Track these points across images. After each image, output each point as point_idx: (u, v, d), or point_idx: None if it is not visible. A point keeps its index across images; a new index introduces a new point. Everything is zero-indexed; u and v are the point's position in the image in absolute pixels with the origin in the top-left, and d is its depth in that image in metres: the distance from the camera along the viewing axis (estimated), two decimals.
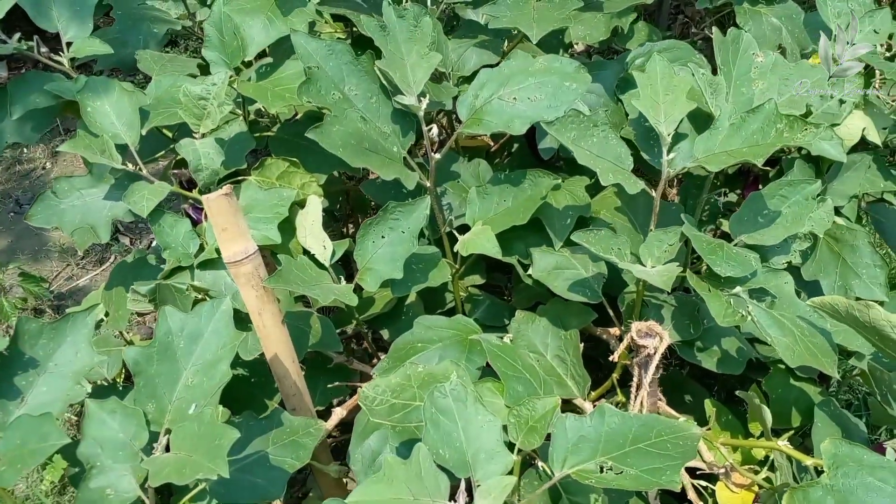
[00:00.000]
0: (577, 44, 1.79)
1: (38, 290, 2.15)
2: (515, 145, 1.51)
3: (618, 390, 1.13)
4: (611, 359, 0.97)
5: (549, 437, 0.76)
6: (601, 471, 0.69)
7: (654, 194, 1.00)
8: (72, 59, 1.25)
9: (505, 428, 0.79)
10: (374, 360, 1.57)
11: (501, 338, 1.18)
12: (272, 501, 0.87)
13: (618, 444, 0.71)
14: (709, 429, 1.10)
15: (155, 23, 1.50)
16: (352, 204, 1.71)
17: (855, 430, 1.04)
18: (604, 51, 2.30)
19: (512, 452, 0.79)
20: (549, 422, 0.76)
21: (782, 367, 1.09)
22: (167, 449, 0.76)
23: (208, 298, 1.05)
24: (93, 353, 0.93)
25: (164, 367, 0.79)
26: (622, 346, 0.96)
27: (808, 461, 0.84)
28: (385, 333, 1.27)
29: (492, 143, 1.50)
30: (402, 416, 0.80)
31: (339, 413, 1.11)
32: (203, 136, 1.06)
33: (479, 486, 0.63)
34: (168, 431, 0.78)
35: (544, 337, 1.16)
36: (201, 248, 1.06)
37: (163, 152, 1.32)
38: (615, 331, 1.23)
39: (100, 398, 1.16)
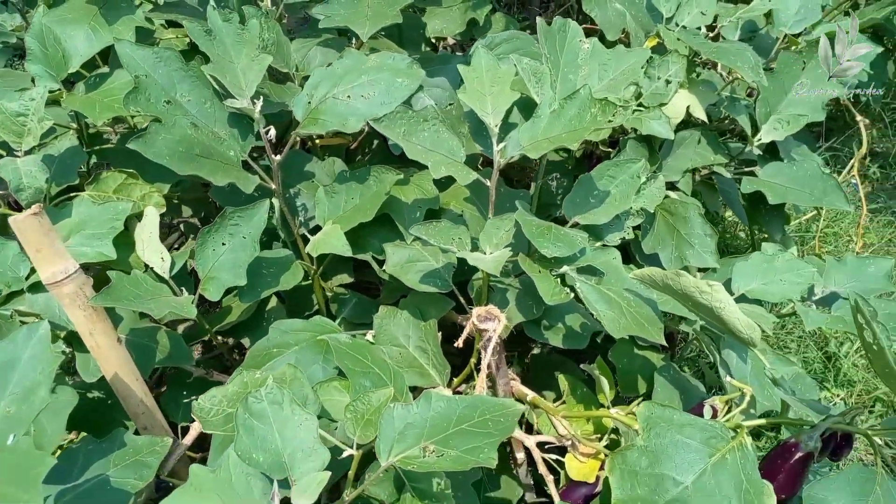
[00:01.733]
0: (438, 39, 1.81)
1: None
2: (375, 142, 1.52)
3: (475, 375, 1.16)
4: (456, 345, 1.00)
5: None
6: (424, 455, 0.71)
7: (488, 184, 1.03)
8: None
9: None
10: None
11: (364, 334, 1.19)
12: None
13: (442, 427, 0.74)
14: (563, 403, 1.15)
15: None
16: (219, 210, 1.67)
17: (694, 391, 1.11)
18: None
19: (351, 447, 0.80)
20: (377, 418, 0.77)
21: (627, 338, 1.15)
22: None
23: None
24: None
25: None
26: (465, 331, 0.98)
27: (635, 425, 0.88)
28: (246, 342, 1.26)
29: (351, 142, 1.50)
30: None
31: (197, 427, 1.09)
32: (26, 153, 1.02)
33: (295, 483, 0.64)
34: None
35: (406, 329, 1.18)
36: (33, 271, 1.02)
37: None
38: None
39: None
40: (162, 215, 1.60)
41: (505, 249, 0.97)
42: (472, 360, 1.16)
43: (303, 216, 1.22)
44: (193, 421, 1.22)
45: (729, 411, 0.93)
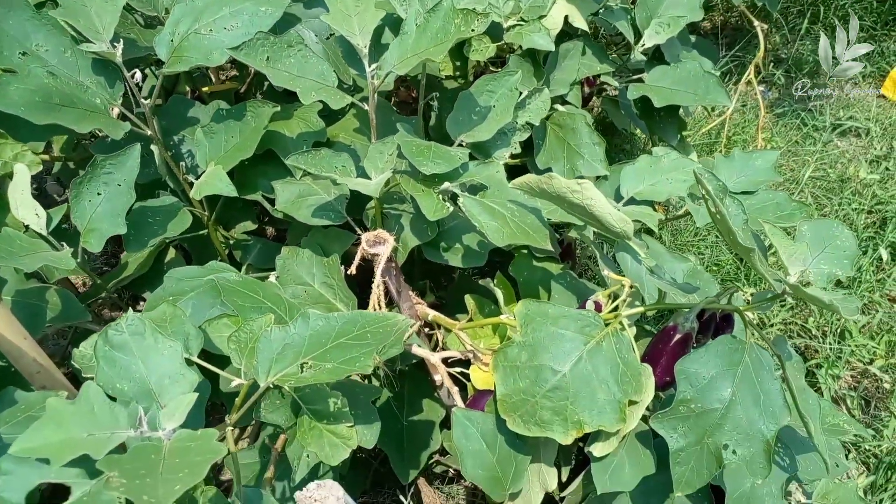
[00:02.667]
0: None
1: None
2: (266, 84, 1.48)
3: (382, 303, 1.17)
4: (349, 272, 1.00)
5: None
6: (302, 371, 0.71)
7: (366, 108, 1.02)
8: None
9: None
10: None
11: (267, 276, 1.18)
12: None
13: (321, 343, 0.74)
14: (470, 320, 1.17)
15: None
16: None
17: (591, 294, 1.14)
18: None
19: (242, 378, 0.80)
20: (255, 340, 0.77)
21: (525, 251, 1.17)
22: None
23: None
24: None
25: None
26: (357, 257, 0.99)
27: None
28: (147, 296, 1.24)
29: (240, 86, 1.46)
30: None
31: None
32: None
33: (164, 407, 0.64)
34: None
35: (309, 267, 1.17)
36: None
37: None
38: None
39: None
40: (58, 179, 1.55)
41: (387, 172, 0.97)
42: (375, 286, 1.17)
43: (189, 162, 1.19)
44: None
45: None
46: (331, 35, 1.25)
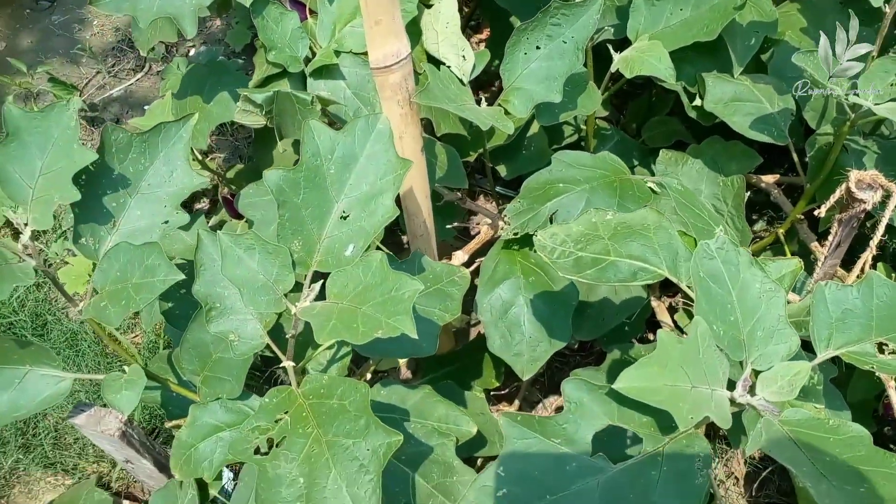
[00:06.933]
0: None
1: (70, 98, 1.95)
2: None
3: (786, 246, 0.99)
4: (817, 213, 0.82)
5: None
6: (881, 352, 0.55)
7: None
8: None
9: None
10: (482, 197, 1.41)
11: (645, 182, 1.02)
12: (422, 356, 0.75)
13: (894, 320, 0.57)
14: None
15: None
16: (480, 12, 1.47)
17: None
18: None
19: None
20: (789, 286, 0.62)
21: None
22: (320, 296, 0.63)
23: (329, 114, 0.87)
24: (192, 174, 0.78)
25: (313, 197, 0.63)
26: (833, 197, 0.80)
27: None
28: (502, 169, 1.11)
29: None
30: (597, 273, 0.65)
31: (460, 256, 0.98)
32: None
33: (759, 371, 0.50)
34: (317, 275, 0.64)
35: (697, 182, 1.00)
36: (313, 53, 0.87)
37: None
38: (771, 178, 1.07)
39: None
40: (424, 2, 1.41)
41: None
42: (781, 230, 0.98)
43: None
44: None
45: None
46: None
